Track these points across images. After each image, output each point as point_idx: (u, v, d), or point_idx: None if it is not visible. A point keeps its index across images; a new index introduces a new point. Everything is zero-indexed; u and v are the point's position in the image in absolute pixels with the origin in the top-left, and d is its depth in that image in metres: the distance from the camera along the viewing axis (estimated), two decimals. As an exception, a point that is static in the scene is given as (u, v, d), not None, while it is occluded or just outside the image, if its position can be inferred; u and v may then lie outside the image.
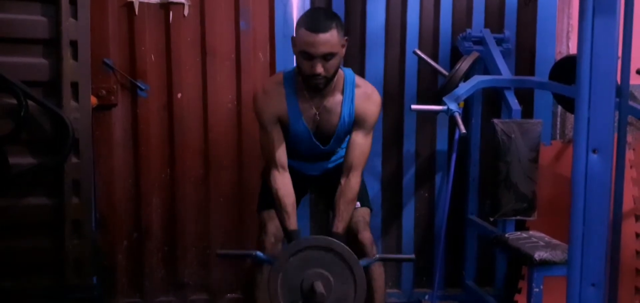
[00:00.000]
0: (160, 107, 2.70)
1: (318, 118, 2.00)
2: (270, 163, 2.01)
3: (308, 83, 1.92)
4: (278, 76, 2.06)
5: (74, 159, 1.99)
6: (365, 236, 2.07)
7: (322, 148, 2.09)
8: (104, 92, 2.58)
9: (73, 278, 2.01)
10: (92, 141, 2.10)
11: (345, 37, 1.93)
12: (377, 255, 2.01)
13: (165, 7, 2.63)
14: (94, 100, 2.35)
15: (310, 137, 2.04)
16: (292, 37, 1.93)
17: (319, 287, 1.67)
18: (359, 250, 2.04)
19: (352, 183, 1.97)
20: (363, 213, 2.13)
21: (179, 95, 2.69)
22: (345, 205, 1.96)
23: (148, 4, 2.62)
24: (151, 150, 2.70)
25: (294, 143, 2.07)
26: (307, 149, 2.10)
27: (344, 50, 1.93)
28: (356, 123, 2.00)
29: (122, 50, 2.62)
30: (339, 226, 1.93)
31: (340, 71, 1.99)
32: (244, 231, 2.80)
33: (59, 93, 1.96)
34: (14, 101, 1.90)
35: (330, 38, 1.83)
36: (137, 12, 2.59)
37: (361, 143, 1.99)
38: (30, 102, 1.92)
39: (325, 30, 1.82)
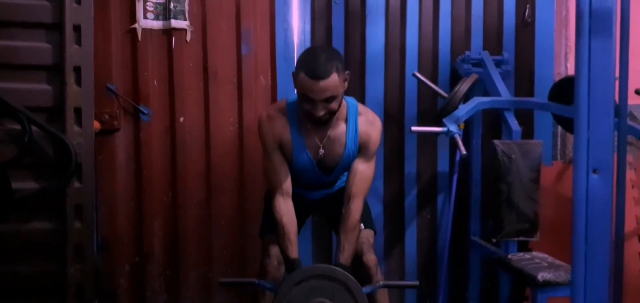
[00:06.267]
0: (163, 131, 2.71)
1: (322, 150, 1.98)
2: (273, 189, 1.99)
3: (311, 119, 1.90)
4: (282, 103, 2.04)
5: (77, 184, 1.99)
6: (370, 258, 2.06)
7: (326, 177, 2.08)
8: (106, 117, 2.60)
9: (75, 302, 2.00)
10: (95, 166, 2.11)
11: (347, 72, 1.89)
12: (381, 282, 1.97)
13: (168, 33, 2.66)
14: (97, 125, 2.36)
15: (313, 167, 2.02)
16: (293, 73, 1.88)
17: None
18: (364, 272, 2.03)
19: (352, 210, 1.94)
20: (367, 235, 2.12)
21: (181, 119, 2.71)
22: (346, 234, 1.93)
23: (151, 30, 2.65)
24: (153, 174, 2.71)
25: (297, 173, 2.05)
26: (310, 178, 2.09)
27: (346, 84, 1.89)
28: (359, 150, 1.99)
29: (125, 75, 2.64)
30: (341, 257, 1.89)
31: (343, 100, 1.97)
32: (246, 254, 2.79)
33: (63, 118, 1.97)
34: (18, 127, 1.92)
35: (331, 83, 1.80)
36: (140, 38, 2.63)
37: (363, 170, 1.98)
38: (34, 127, 1.93)
39: (325, 76, 1.79)
